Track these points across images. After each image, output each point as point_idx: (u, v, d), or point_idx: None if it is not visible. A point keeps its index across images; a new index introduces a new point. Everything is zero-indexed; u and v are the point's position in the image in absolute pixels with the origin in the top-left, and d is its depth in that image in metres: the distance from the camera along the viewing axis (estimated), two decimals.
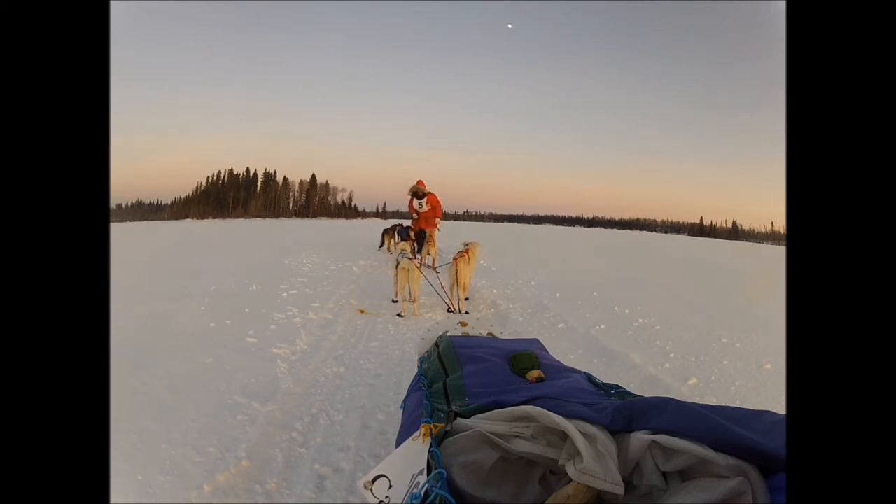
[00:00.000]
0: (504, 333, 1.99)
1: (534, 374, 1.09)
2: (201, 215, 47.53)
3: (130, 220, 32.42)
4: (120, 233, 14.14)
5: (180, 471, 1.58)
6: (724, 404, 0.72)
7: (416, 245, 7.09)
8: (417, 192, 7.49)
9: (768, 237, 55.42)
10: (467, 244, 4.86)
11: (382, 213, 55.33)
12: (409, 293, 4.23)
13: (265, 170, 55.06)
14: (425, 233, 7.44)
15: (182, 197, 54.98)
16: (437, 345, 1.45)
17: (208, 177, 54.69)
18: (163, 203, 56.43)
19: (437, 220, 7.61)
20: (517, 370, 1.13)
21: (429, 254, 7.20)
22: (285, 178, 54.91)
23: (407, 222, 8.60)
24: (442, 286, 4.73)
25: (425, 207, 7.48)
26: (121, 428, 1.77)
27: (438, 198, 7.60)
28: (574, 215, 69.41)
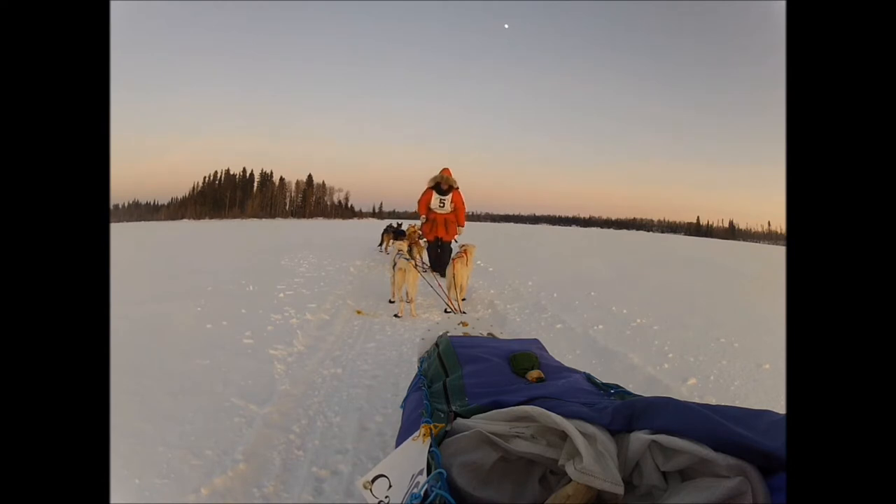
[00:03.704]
0: (503, 334, 1.98)
1: (534, 374, 1.10)
2: (198, 216, 47.32)
3: (127, 221, 32.20)
4: (117, 233, 14.02)
5: (177, 474, 1.57)
6: (723, 404, 0.73)
7: (410, 249, 5.63)
8: (440, 186, 5.47)
9: (765, 237, 55.62)
10: (464, 245, 4.87)
11: (379, 214, 55.28)
12: (406, 294, 4.22)
13: (262, 170, 54.90)
14: (440, 242, 5.58)
15: (178, 197, 54.84)
16: (437, 345, 1.45)
17: (205, 177, 54.47)
18: (159, 204, 56.25)
19: (460, 227, 5.66)
20: (517, 370, 1.14)
21: (419, 255, 5.90)
22: (282, 179, 54.74)
23: (407, 223, 7.48)
24: (439, 284, 4.73)
25: (447, 208, 5.53)
26: (117, 430, 1.76)
27: (464, 198, 5.58)
28: (571, 215, 69.37)
